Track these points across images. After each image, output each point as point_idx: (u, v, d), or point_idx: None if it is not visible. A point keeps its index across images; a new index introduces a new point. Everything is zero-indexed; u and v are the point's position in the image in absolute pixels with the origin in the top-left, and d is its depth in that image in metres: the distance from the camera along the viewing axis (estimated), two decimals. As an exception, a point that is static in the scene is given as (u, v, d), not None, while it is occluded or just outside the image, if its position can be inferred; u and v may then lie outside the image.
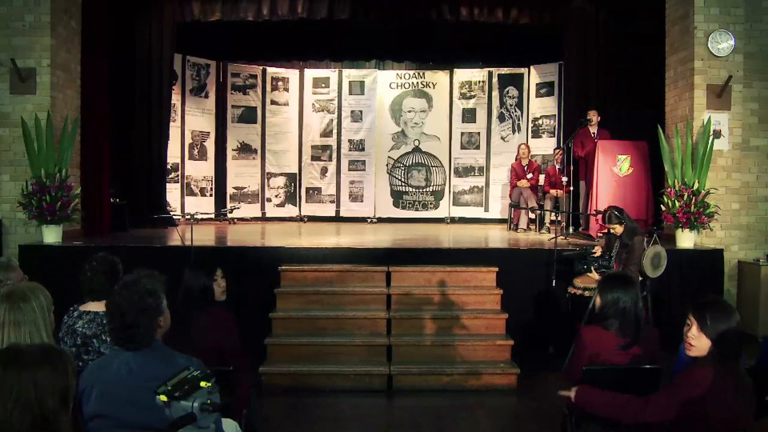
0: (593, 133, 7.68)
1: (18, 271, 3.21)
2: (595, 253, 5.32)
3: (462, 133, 10.12)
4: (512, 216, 8.60)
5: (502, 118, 9.97)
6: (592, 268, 5.18)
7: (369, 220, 10.05)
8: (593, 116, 7.69)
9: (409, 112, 10.20)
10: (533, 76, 9.77)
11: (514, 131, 9.91)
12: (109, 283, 2.97)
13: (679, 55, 6.73)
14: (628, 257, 4.94)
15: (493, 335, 5.31)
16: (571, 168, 7.47)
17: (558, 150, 8.44)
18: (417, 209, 10.17)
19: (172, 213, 8.67)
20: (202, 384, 1.72)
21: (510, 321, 5.41)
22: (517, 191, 8.51)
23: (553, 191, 8.28)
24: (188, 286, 3.15)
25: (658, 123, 6.71)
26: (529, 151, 8.80)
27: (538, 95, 9.71)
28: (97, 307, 2.94)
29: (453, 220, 10.06)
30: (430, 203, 10.18)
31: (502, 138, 9.96)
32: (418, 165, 10.20)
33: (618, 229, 5.01)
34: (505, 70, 9.97)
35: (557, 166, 8.32)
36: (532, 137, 9.66)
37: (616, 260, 5.08)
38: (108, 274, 3.01)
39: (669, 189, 6.40)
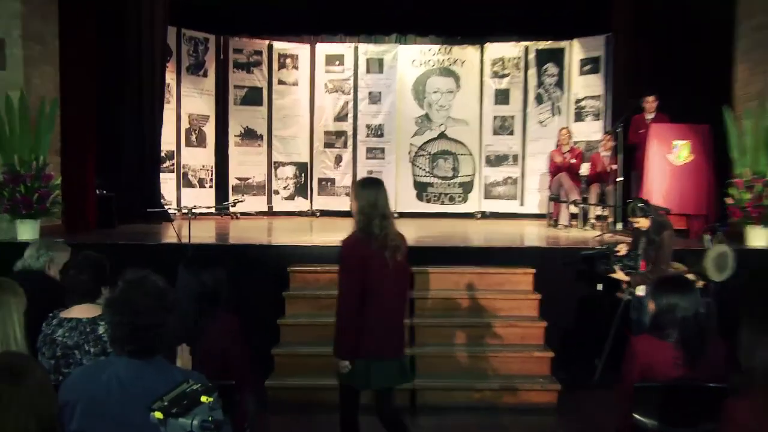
0: (649, 119, 7.57)
1: (68, 253, 3.63)
2: (619, 251, 5.26)
3: (494, 117, 10.04)
4: (552, 211, 8.54)
5: (539, 99, 9.87)
6: (617, 268, 5.11)
7: (389, 215, 10.02)
8: (650, 101, 7.56)
9: (435, 93, 10.15)
10: (576, 51, 9.66)
11: (553, 114, 9.81)
12: (96, 284, 2.99)
13: (755, 21, 6.55)
14: (657, 255, 4.88)
15: (530, 346, 5.30)
16: (621, 156, 7.39)
17: (606, 135, 8.36)
18: (443, 203, 10.14)
19: (166, 207, 8.74)
20: (203, 399, 1.71)
21: (549, 330, 5.39)
22: (557, 182, 8.44)
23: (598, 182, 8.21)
24: (185, 289, 3.11)
25: (724, 104, 6.57)
26: (570, 137, 8.71)
27: (582, 73, 9.60)
28: (81, 312, 2.92)
29: (484, 216, 10.00)
30: (458, 196, 10.14)
31: (540, 122, 9.87)
32: (445, 153, 10.15)
33: (643, 223, 4.96)
34: (543, 45, 9.88)
35: (604, 154, 8.25)
36: (575, 121, 9.56)
37: (644, 259, 5.03)
38: (94, 274, 3.00)
39: (737, 179, 6.28)
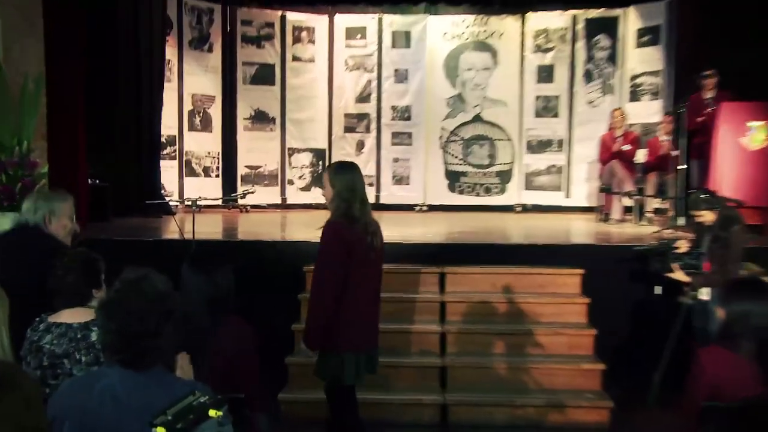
0: (708, 99, 7.47)
1: (69, 203, 3.70)
2: (678, 248, 5.21)
3: (537, 97, 10.01)
4: (602, 203, 8.49)
5: (589, 76, 9.79)
6: (675, 268, 5.03)
7: (417, 208, 10.06)
8: (709, 78, 7.47)
9: (469, 70, 10.12)
10: (632, 20, 9.56)
11: (604, 93, 9.73)
12: (88, 285, 3.00)
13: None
14: (725, 254, 4.79)
15: (578, 356, 5.29)
16: (683, 140, 7.30)
17: (666, 117, 8.27)
18: (478, 194, 10.14)
19: (167, 198, 8.81)
20: (212, 413, 1.71)
21: (600, 338, 5.37)
22: (609, 171, 8.39)
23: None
24: (189, 291, 3.10)
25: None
26: (624, 119, 8.62)
27: (639, 45, 9.49)
28: (72, 317, 2.92)
29: (524, 209, 9.98)
30: (495, 187, 10.12)
31: (590, 102, 9.80)
32: (480, 138, 10.13)
33: (708, 217, 4.91)
34: (594, 13, 9.79)
35: (663, 138, 8.14)
36: (630, 100, 9.48)
37: (709, 258, 4.94)
38: (86, 274, 3.00)
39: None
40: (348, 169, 3.88)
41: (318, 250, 3.75)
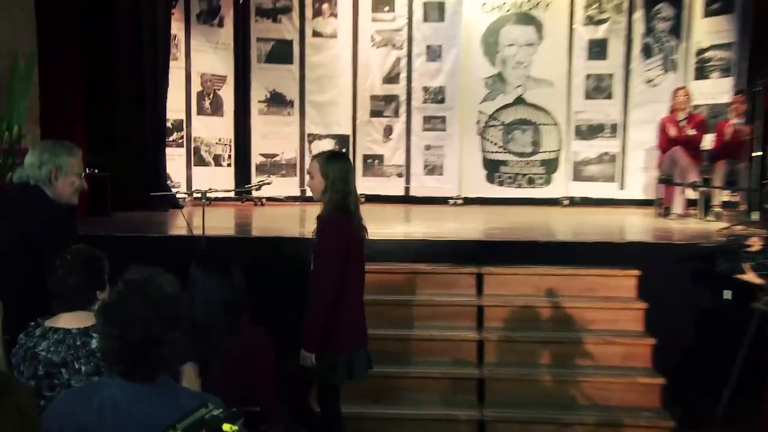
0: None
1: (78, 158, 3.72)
2: (751, 246, 5.18)
3: (587, 76, 9.99)
4: (662, 196, 8.44)
5: (648, 51, 9.72)
6: (747, 268, 5.00)
7: (451, 201, 10.09)
8: None
9: (510, 46, 10.11)
10: (700, -14, 9.45)
11: (666, 70, 9.64)
12: (89, 288, 3.02)
13: None
14: None
15: (634, 369, 5.26)
16: (759, 123, 7.24)
17: (738, 96, 8.19)
18: (520, 186, 10.16)
19: (174, 190, 8.91)
20: (226, 428, 1.73)
21: (659, 349, 5.34)
22: (670, 159, 8.30)
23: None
24: (200, 294, 3.13)
25: None
26: (689, 100, 8.53)
27: (708, 14, 9.37)
28: (71, 321, 2.93)
29: (572, 202, 10.01)
30: (539, 177, 10.13)
31: (649, 81, 9.72)
32: (522, 123, 10.15)
33: None
34: (655, -21, 9.69)
35: (735, 121, 8.07)
36: (695, 78, 9.39)
37: None
38: (87, 275, 3.00)
39: None
40: (340, 158, 4.15)
41: (315, 247, 3.92)
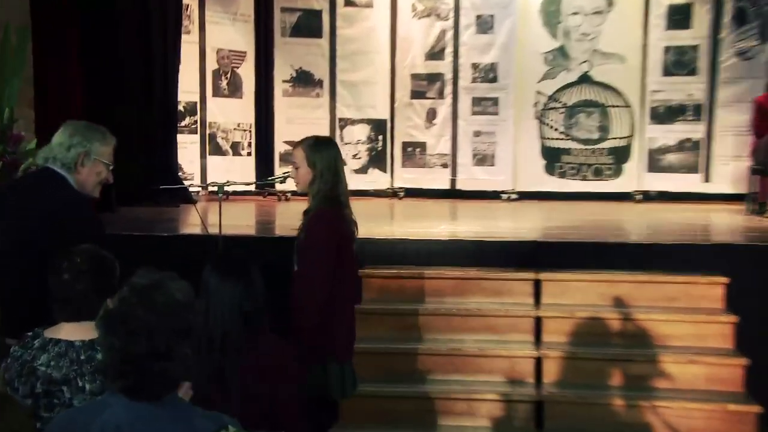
0: None
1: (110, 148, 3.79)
2: None
3: (666, 49, 9.93)
4: (756, 189, 8.38)
5: (740, 17, 9.59)
6: None
7: (505, 195, 10.08)
8: None
9: (574, 15, 10.10)
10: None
11: (763, 41, 9.47)
12: (98, 295, 2.99)
13: None
14: None
15: (722, 393, 5.18)
16: None
17: None
18: (585, 178, 10.16)
19: (186, 182, 8.97)
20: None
21: (753, 370, 5.22)
22: (765, 147, 8.20)
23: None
24: (218, 302, 3.13)
25: None
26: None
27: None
28: (74, 333, 2.93)
29: (647, 197, 9.97)
30: (608, 168, 10.10)
31: (741, 54, 9.60)
32: (588, 105, 10.14)
33: None
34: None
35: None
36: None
37: None
38: (96, 281, 2.98)
39: None
40: (328, 144, 4.21)
41: (304, 244, 4.01)
